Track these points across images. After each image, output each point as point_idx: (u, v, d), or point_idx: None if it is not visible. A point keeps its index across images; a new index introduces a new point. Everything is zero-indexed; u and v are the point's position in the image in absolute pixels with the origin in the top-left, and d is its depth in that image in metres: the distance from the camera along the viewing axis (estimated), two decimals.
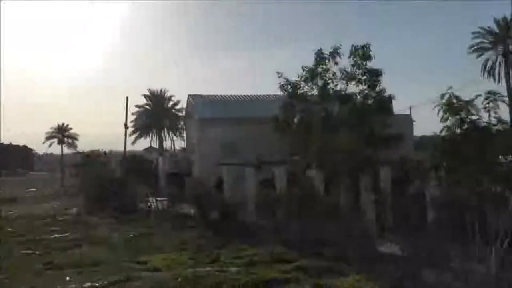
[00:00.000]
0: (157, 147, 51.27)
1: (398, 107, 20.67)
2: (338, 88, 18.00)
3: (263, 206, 19.17)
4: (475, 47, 39.79)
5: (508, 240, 9.25)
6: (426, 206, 14.21)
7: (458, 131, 8.89)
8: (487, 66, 39.48)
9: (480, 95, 9.14)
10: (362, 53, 16.92)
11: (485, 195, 8.98)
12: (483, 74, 39.79)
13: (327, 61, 17.61)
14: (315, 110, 18.26)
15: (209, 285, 11.67)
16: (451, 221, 10.45)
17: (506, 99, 10.11)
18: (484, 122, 8.91)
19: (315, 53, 17.77)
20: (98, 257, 15.46)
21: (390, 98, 18.28)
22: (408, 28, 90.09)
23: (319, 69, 17.71)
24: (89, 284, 11.96)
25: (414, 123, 33.61)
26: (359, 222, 15.68)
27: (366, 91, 17.83)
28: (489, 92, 9.27)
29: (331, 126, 17.77)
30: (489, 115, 8.89)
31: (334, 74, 18.00)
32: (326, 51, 17.62)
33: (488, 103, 9.04)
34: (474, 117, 9.15)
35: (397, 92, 18.39)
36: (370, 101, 17.92)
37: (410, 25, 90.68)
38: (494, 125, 8.88)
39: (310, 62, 17.94)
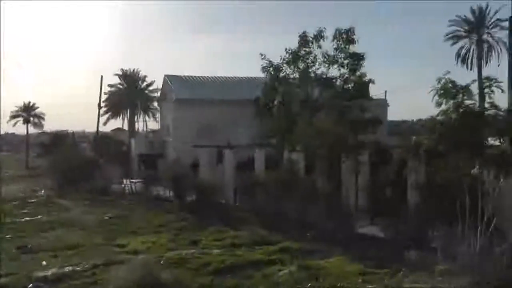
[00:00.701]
0: (128, 128, 50.23)
1: (374, 92, 20.67)
2: (319, 71, 17.94)
3: (242, 188, 19.07)
4: (451, 34, 40.40)
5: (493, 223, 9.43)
6: (407, 190, 14.47)
7: (454, 115, 9.01)
8: (461, 54, 40.11)
9: (475, 81, 9.26)
10: (346, 37, 16.88)
11: (475, 178, 9.11)
12: (457, 62, 40.47)
13: (310, 44, 17.49)
14: (296, 93, 18.16)
15: (194, 267, 11.55)
16: (435, 204, 10.63)
17: (501, 84, 10.52)
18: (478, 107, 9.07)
19: (299, 36, 17.60)
20: (74, 240, 14.98)
21: (369, 83, 18.34)
22: (387, 14, 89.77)
23: (302, 52, 17.57)
24: (69, 268, 11.51)
25: (388, 107, 34.28)
26: (340, 204, 15.86)
27: (347, 75, 17.85)
28: (486, 78, 9.39)
29: (311, 109, 17.73)
30: (484, 100, 9.01)
31: (315, 57, 17.90)
32: (311, 34, 17.48)
33: (484, 88, 9.17)
34: (468, 102, 9.30)
35: (374, 76, 18.35)
36: (350, 85, 17.95)
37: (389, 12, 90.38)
38: (487, 109, 9.03)
39: (294, 45, 17.77)
